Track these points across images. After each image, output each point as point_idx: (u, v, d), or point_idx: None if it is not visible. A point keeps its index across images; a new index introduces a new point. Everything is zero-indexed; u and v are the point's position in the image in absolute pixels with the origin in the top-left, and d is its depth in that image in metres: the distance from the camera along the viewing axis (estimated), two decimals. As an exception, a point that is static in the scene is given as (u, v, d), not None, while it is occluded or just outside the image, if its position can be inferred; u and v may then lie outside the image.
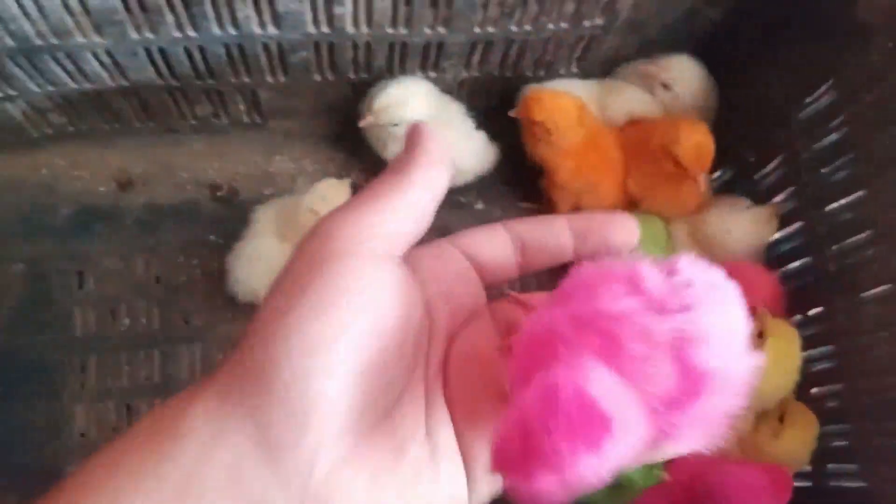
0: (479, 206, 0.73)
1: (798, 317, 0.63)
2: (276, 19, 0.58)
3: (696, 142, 0.64)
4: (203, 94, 0.67)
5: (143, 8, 0.55)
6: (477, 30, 0.62)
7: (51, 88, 0.62)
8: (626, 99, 0.69)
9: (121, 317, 0.67)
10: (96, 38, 0.57)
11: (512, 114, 0.67)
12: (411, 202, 0.27)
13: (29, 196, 0.69)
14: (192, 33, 0.58)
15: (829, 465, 0.61)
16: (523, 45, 0.65)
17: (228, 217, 0.70)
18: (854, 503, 0.59)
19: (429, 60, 0.66)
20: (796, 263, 0.64)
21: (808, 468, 0.61)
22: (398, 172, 0.27)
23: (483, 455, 0.27)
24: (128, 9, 0.55)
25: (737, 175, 0.72)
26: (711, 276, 0.24)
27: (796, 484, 0.57)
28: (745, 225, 0.66)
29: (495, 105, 0.73)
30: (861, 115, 0.57)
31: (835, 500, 0.60)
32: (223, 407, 0.23)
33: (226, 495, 0.22)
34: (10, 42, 0.55)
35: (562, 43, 0.66)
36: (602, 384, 0.22)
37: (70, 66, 0.60)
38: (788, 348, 0.60)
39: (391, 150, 0.66)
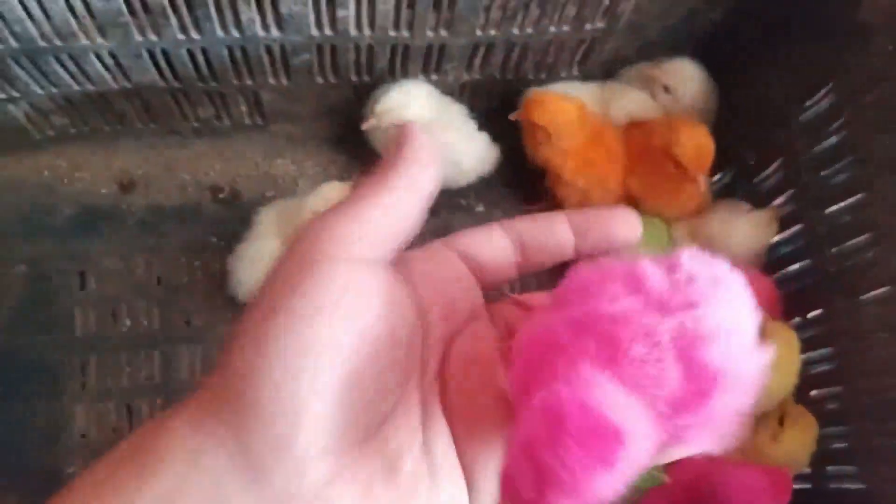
0: (480, 208, 0.74)
1: (798, 319, 0.64)
2: (280, 22, 0.58)
3: (697, 143, 0.65)
4: (205, 96, 0.67)
5: (147, 10, 0.55)
6: (479, 33, 0.62)
7: (54, 90, 0.63)
8: (628, 101, 0.69)
9: (122, 317, 0.67)
10: (100, 40, 0.57)
11: (513, 117, 0.68)
12: (397, 204, 0.26)
13: (31, 197, 0.69)
14: (195, 35, 0.58)
15: (829, 467, 0.61)
16: (525, 47, 0.66)
17: (230, 219, 0.70)
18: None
19: (430, 63, 0.66)
20: (796, 265, 0.64)
21: (808, 470, 0.62)
22: (384, 174, 0.26)
23: (485, 465, 0.26)
24: (132, 11, 0.55)
25: (737, 177, 0.72)
26: (715, 269, 0.23)
27: (796, 486, 0.58)
28: (746, 228, 0.66)
29: (496, 107, 0.73)
30: (861, 118, 0.58)
31: (834, 502, 0.60)
32: (203, 427, 0.22)
33: None
34: (13, 43, 0.56)
35: (563, 46, 0.66)
36: (608, 395, 0.21)
37: (73, 68, 0.60)
38: (787, 351, 0.60)
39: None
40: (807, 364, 0.61)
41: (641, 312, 0.22)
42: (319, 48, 0.62)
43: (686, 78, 0.68)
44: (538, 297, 0.29)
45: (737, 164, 0.71)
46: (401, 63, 0.65)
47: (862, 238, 0.58)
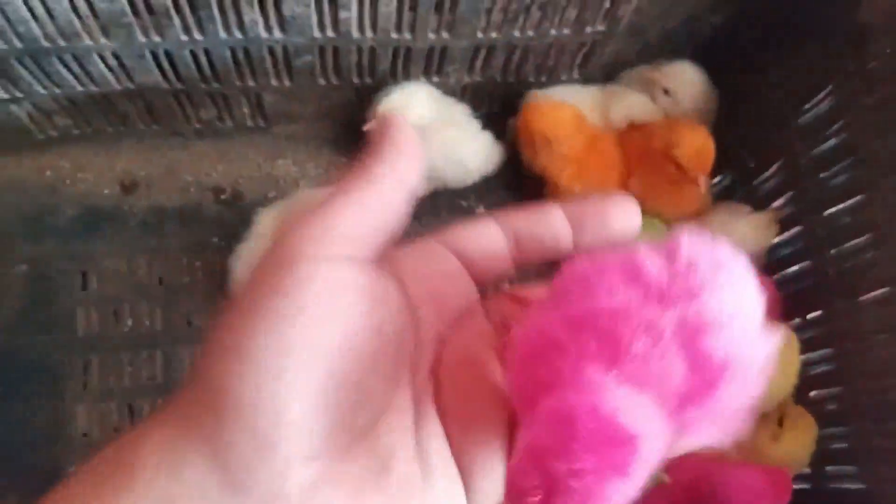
0: (481, 209, 0.74)
1: (797, 320, 0.64)
2: (282, 23, 0.58)
3: (697, 144, 0.66)
4: (208, 98, 0.67)
5: (151, 11, 0.56)
6: (480, 35, 0.63)
7: (57, 90, 0.63)
8: (628, 104, 0.69)
9: (123, 317, 0.67)
10: (103, 41, 0.57)
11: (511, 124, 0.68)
12: (379, 199, 0.25)
13: (33, 197, 0.70)
14: (198, 36, 0.58)
15: (829, 468, 0.61)
16: (526, 50, 0.66)
17: (231, 220, 0.70)
18: (853, 505, 0.59)
19: (432, 65, 0.66)
20: (796, 267, 0.65)
21: (808, 470, 0.62)
22: (366, 168, 0.25)
23: (482, 464, 0.25)
24: (135, 12, 0.55)
25: (737, 180, 0.73)
26: (717, 252, 0.22)
27: (796, 486, 0.58)
28: (746, 230, 0.67)
29: (498, 110, 0.74)
30: (861, 120, 0.58)
31: (834, 502, 0.61)
32: (180, 435, 0.21)
33: None
34: (17, 43, 0.56)
35: (564, 48, 0.67)
36: (617, 399, 0.20)
37: (76, 69, 0.61)
38: (787, 352, 0.61)
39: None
40: (806, 365, 0.62)
41: (641, 305, 0.21)
42: (322, 50, 0.62)
43: (686, 81, 0.69)
44: (534, 291, 0.28)
45: (737, 167, 0.72)
46: (402, 65, 0.66)
47: (861, 239, 0.58)
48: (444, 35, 0.62)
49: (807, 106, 0.63)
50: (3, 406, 0.63)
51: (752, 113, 0.69)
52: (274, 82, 0.66)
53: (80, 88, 0.63)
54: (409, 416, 0.25)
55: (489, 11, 0.60)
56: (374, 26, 0.60)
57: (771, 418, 0.62)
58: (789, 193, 0.66)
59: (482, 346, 0.26)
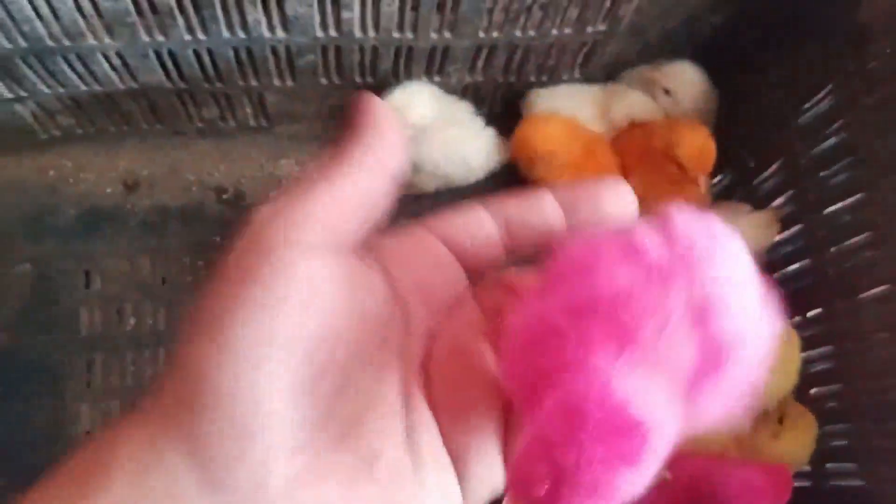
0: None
1: (797, 318, 0.64)
2: (285, 23, 0.59)
3: (698, 144, 0.66)
4: (210, 97, 0.68)
5: (155, 10, 0.56)
6: (482, 35, 0.63)
7: (61, 90, 0.63)
8: (629, 102, 0.70)
9: (126, 317, 0.67)
10: (107, 40, 0.58)
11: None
12: (360, 185, 0.24)
13: (36, 197, 0.70)
14: (201, 36, 0.59)
15: (829, 465, 0.61)
16: (527, 50, 0.66)
17: (234, 219, 0.70)
18: (853, 502, 0.60)
19: (434, 65, 0.67)
20: (796, 265, 0.65)
21: (808, 468, 0.62)
22: (344, 154, 0.24)
23: (475, 454, 0.24)
24: (139, 11, 0.56)
25: (737, 179, 0.73)
26: (711, 228, 0.21)
27: (796, 484, 0.58)
28: (746, 230, 0.67)
29: (499, 110, 0.74)
30: (860, 119, 0.58)
31: (834, 500, 0.61)
32: (157, 431, 0.21)
33: None
34: (22, 43, 0.56)
35: (565, 48, 0.67)
36: (627, 387, 0.19)
37: (80, 68, 0.61)
38: (788, 350, 0.61)
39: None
40: (807, 363, 0.62)
41: (645, 287, 0.20)
42: (324, 49, 0.63)
43: (686, 81, 0.69)
44: (526, 278, 0.27)
45: (737, 166, 0.72)
46: (404, 65, 0.66)
47: (861, 238, 0.58)
48: (446, 35, 0.62)
49: (807, 105, 0.63)
50: (5, 405, 0.63)
51: (752, 112, 0.70)
52: (276, 82, 0.66)
53: (83, 88, 0.63)
54: (398, 406, 0.24)
55: (491, 11, 0.61)
56: (376, 26, 0.60)
57: (771, 416, 0.62)
58: (789, 192, 0.66)
59: (473, 334, 0.26)
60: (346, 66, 0.65)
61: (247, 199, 0.72)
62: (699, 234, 0.21)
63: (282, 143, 0.74)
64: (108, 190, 0.71)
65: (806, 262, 0.64)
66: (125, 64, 0.61)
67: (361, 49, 0.63)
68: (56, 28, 0.56)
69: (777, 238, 0.66)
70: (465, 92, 0.72)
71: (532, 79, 0.71)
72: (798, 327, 0.63)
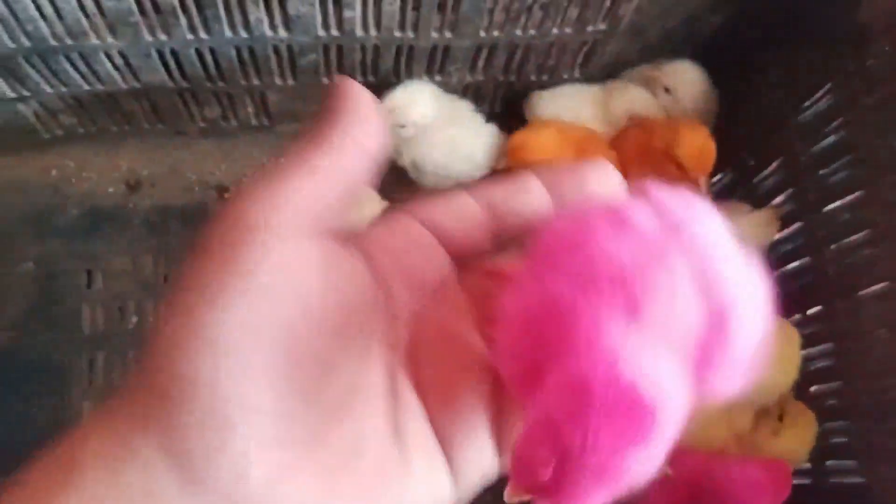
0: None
1: (797, 316, 0.64)
2: (287, 22, 0.59)
3: (698, 144, 0.66)
4: (213, 97, 0.68)
5: (157, 10, 0.56)
6: (482, 34, 0.63)
7: (63, 89, 0.64)
8: (629, 98, 0.70)
9: (129, 315, 0.67)
10: (110, 40, 0.58)
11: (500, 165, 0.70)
12: (337, 167, 0.23)
13: (38, 196, 0.70)
14: (204, 35, 0.59)
15: (829, 462, 0.62)
16: (527, 49, 0.67)
17: (235, 218, 0.70)
18: (853, 500, 0.60)
19: (435, 64, 0.67)
20: (796, 263, 0.65)
21: (808, 465, 0.62)
22: (321, 137, 0.23)
23: (465, 440, 0.24)
24: (142, 11, 0.56)
25: (737, 178, 0.73)
26: (689, 201, 0.21)
27: (796, 481, 0.58)
28: (746, 229, 0.67)
29: (500, 109, 0.74)
30: (859, 118, 0.59)
31: (834, 497, 0.61)
32: (128, 425, 0.20)
33: None
34: (26, 42, 0.56)
35: (565, 48, 0.67)
36: (635, 364, 0.18)
37: (83, 68, 0.61)
38: (788, 348, 0.61)
39: (398, 148, 0.68)
40: (806, 360, 0.62)
41: (646, 260, 0.19)
42: (326, 48, 0.63)
43: (686, 79, 0.69)
44: (512, 263, 0.26)
45: (737, 165, 0.72)
46: (405, 64, 0.66)
47: (860, 235, 0.59)
48: (447, 34, 0.63)
49: (806, 104, 0.63)
50: (9, 403, 0.64)
51: (751, 112, 0.70)
52: (278, 81, 0.66)
53: (86, 87, 0.64)
54: (383, 392, 0.24)
55: (491, 11, 0.61)
56: (377, 25, 0.61)
57: (771, 414, 0.62)
58: (789, 191, 0.66)
59: (459, 319, 0.25)
60: (348, 65, 0.65)
61: (248, 198, 0.72)
62: (682, 206, 0.21)
63: (283, 142, 0.74)
64: (111, 189, 0.71)
65: (806, 260, 0.64)
66: (128, 63, 0.61)
67: (363, 48, 0.63)
68: (59, 27, 0.56)
69: (777, 236, 0.66)
70: (466, 91, 0.72)
71: (532, 78, 0.71)
72: (798, 325, 0.63)
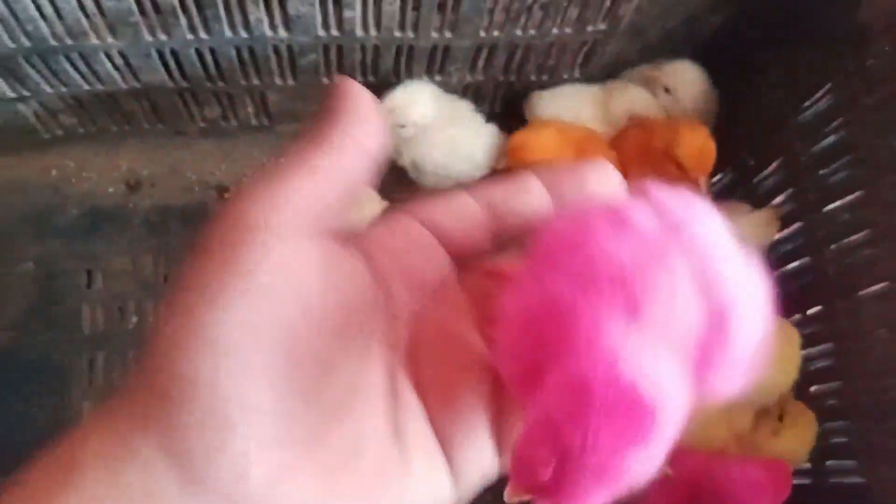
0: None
1: (797, 316, 0.64)
2: (287, 22, 0.59)
3: (698, 144, 0.66)
4: (212, 97, 0.68)
5: (158, 10, 0.56)
6: (482, 34, 0.63)
7: (63, 89, 0.64)
8: (629, 98, 0.70)
9: (128, 315, 0.67)
10: (110, 40, 0.58)
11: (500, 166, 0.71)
12: (337, 167, 0.23)
13: (38, 196, 0.70)
14: (204, 35, 0.59)
15: (829, 462, 0.62)
16: (527, 49, 0.67)
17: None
18: (853, 500, 0.60)
19: (435, 64, 0.67)
20: (796, 263, 0.65)
21: (808, 465, 0.62)
22: (321, 134, 0.23)
23: (465, 440, 0.24)
24: (142, 10, 0.56)
25: (737, 178, 0.73)
26: (689, 200, 0.21)
27: (796, 481, 0.58)
28: (746, 229, 0.67)
29: (500, 110, 0.74)
30: (859, 118, 0.59)
31: (834, 497, 0.61)
32: (128, 425, 0.20)
33: None
34: (26, 42, 0.57)
35: (565, 48, 0.67)
36: (635, 364, 0.18)
37: (83, 68, 0.61)
38: (788, 348, 0.61)
39: (398, 148, 0.68)
40: (807, 360, 0.62)
41: (646, 259, 0.19)
42: (326, 48, 0.63)
43: (686, 79, 0.69)
44: (512, 264, 0.26)
45: (737, 165, 0.72)
46: (405, 64, 0.67)
47: (860, 235, 0.59)
48: (447, 34, 0.63)
49: (806, 104, 0.63)
50: (9, 403, 0.64)
51: (751, 112, 0.70)
52: (278, 81, 0.66)
53: (86, 87, 0.64)
54: (383, 392, 0.24)
55: (491, 11, 0.61)
56: (377, 25, 0.61)
57: (771, 414, 0.62)
58: (789, 191, 0.66)
59: (459, 319, 0.25)
60: (348, 65, 0.65)
61: (248, 198, 0.72)
62: (681, 206, 0.21)
63: (283, 142, 0.74)
64: (110, 189, 0.71)
65: (806, 259, 0.64)
66: (128, 63, 0.61)
67: (363, 48, 0.64)
68: (59, 27, 0.56)
69: (777, 236, 0.67)
70: (466, 91, 0.72)
71: (532, 78, 0.71)
72: (798, 325, 0.63)
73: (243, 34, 0.59)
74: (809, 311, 0.64)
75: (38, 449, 0.20)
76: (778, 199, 0.67)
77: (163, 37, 0.58)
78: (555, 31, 0.64)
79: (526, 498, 0.21)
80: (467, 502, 0.25)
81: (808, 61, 0.63)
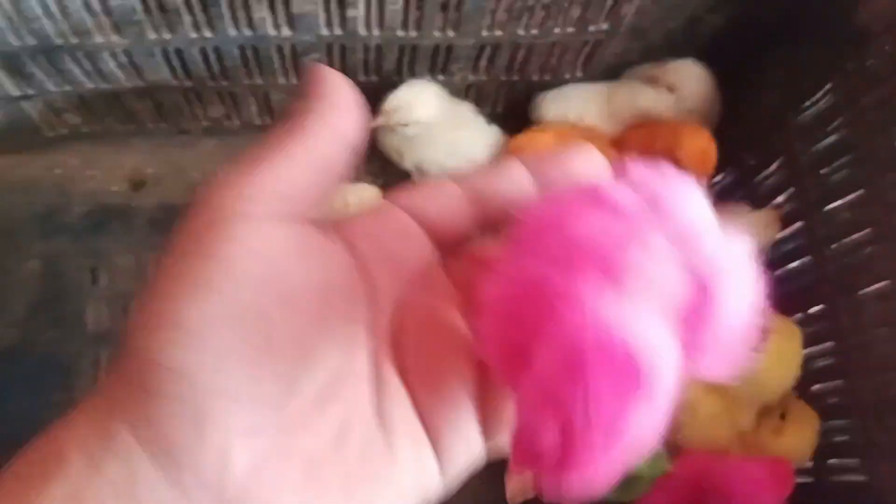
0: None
1: (799, 315, 0.64)
2: (291, 21, 0.59)
3: (700, 147, 0.66)
4: (216, 96, 0.69)
5: (162, 8, 0.57)
6: (485, 34, 0.64)
7: (68, 88, 0.64)
8: (635, 97, 0.70)
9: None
10: (115, 38, 0.58)
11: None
12: (313, 153, 0.23)
13: (43, 195, 0.71)
14: (208, 34, 0.59)
15: (831, 461, 0.62)
16: (530, 49, 0.67)
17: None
18: (855, 498, 0.60)
19: (437, 64, 0.67)
20: (797, 263, 0.65)
21: (810, 464, 0.62)
22: (299, 121, 0.23)
23: (452, 425, 0.24)
24: (147, 9, 0.56)
25: (737, 178, 0.73)
26: (667, 175, 0.21)
27: (798, 480, 0.58)
28: (748, 230, 0.67)
29: (502, 110, 0.75)
30: (860, 118, 0.59)
31: (836, 495, 0.61)
32: (109, 417, 0.20)
33: None
34: (30, 41, 0.57)
35: (567, 47, 0.68)
36: (622, 319, 0.18)
37: (88, 66, 0.62)
38: (789, 346, 0.61)
39: (401, 151, 0.68)
40: (808, 359, 0.62)
41: (625, 226, 0.20)
42: (329, 47, 0.63)
43: (690, 78, 0.70)
44: (495, 250, 0.26)
45: (737, 165, 0.73)
46: (408, 63, 0.67)
47: (861, 234, 0.59)
48: (450, 33, 0.63)
49: (806, 104, 0.64)
50: (14, 400, 0.64)
51: (752, 112, 0.70)
52: (282, 80, 0.67)
53: (90, 86, 0.64)
54: (367, 381, 0.23)
55: (494, 10, 0.61)
56: (381, 24, 0.61)
57: (773, 412, 0.62)
58: (790, 190, 0.66)
59: (444, 305, 0.25)
60: (351, 64, 0.66)
61: (251, 197, 0.73)
62: (660, 183, 0.21)
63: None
64: (115, 188, 0.72)
65: (807, 259, 0.64)
66: (132, 62, 0.62)
67: (366, 47, 0.64)
68: (64, 26, 0.56)
69: (778, 236, 0.67)
70: (469, 91, 0.72)
71: (535, 78, 0.71)
72: (799, 324, 0.63)
73: (247, 33, 0.60)
74: (811, 310, 0.64)
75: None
76: (779, 199, 0.68)
77: (167, 35, 0.59)
78: (557, 30, 0.65)
79: (529, 496, 0.22)
80: (454, 488, 0.25)
81: (808, 61, 0.63)
